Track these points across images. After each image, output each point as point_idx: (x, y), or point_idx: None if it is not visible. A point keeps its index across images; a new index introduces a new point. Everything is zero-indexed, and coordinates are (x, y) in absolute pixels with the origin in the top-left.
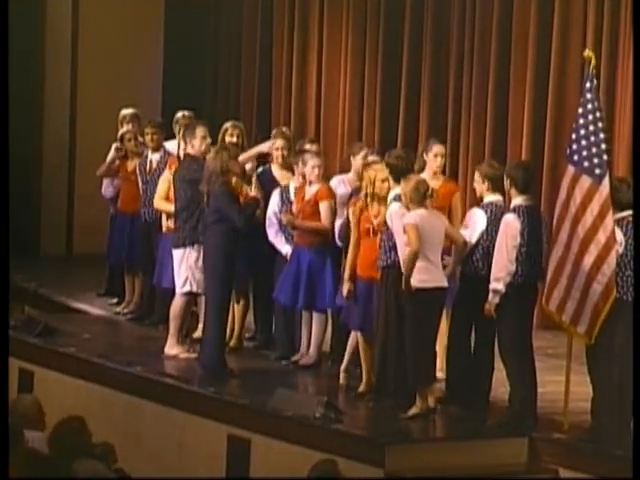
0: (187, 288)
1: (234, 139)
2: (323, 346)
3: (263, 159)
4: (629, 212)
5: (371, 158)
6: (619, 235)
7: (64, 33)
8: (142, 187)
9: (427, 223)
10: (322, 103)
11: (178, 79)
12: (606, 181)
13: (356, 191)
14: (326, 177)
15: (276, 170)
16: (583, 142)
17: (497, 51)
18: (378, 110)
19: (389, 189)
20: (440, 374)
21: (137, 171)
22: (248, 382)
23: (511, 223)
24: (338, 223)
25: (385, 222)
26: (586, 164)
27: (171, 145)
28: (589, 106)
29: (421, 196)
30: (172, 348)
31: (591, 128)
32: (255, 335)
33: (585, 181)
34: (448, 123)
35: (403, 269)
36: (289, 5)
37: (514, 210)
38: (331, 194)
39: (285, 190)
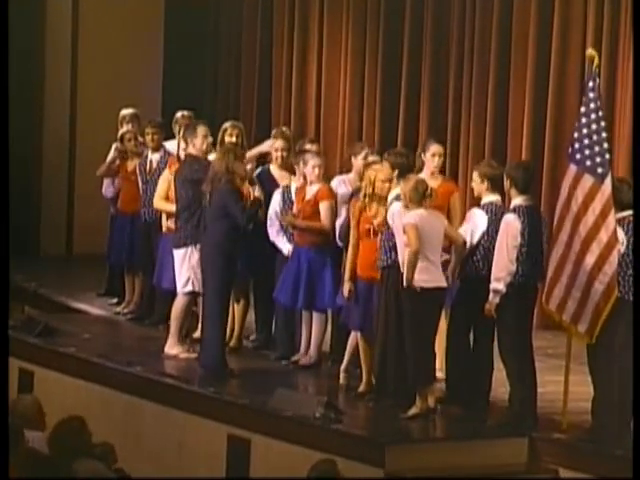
0: (189, 288)
1: (233, 139)
2: (323, 346)
3: (262, 159)
4: (630, 212)
5: (371, 158)
6: (621, 234)
7: (64, 33)
8: (142, 187)
9: (427, 223)
10: (322, 103)
11: (178, 79)
12: (608, 180)
13: (357, 191)
14: (326, 177)
15: (275, 170)
16: (585, 141)
17: (497, 51)
18: (378, 110)
19: (389, 189)
20: (440, 374)
21: (137, 171)
22: (248, 382)
23: (512, 223)
24: (339, 223)
25: (385, 222)
26: (588, 163)
27: (171, 145)
28: (591, 105)
29: (420, 196)
30: (172, 348)
31: (593, 127)
32: (256, 335)
33: (587, 180)
34: (448, 123)
35: (403, 269)
36: (289, 5)
37: (514, 210)
38: (331, 194)
39: (287, 190)
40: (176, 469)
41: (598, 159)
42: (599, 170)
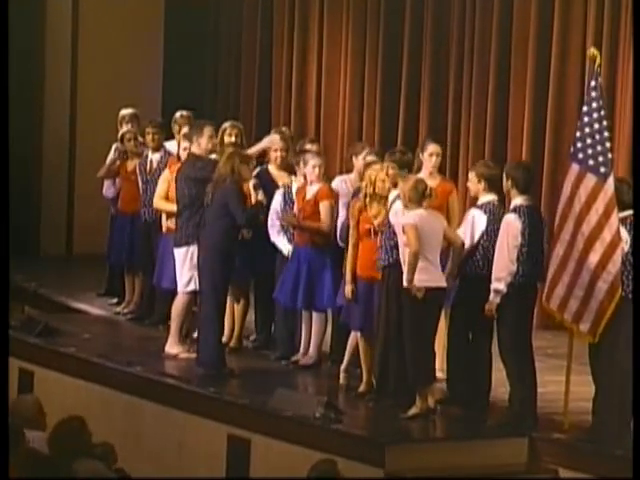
0: (192, 287)
1: (233, 139)
2: (323, 346)
3: (261, 159)
4: (631, 212)
5: (369, 158)
6: (624, 234)
7: (64, 33)
8: (142, 187)
9: (426, 223)
10: (322, 103)
11: (178, 79)
12: (611, 179)
13: (358, 191)
14: (327, 177)
15: (274, 170)
16: (588, 140)
17: (497, 52)
18: (378, 111)
19: (390, 189)
20: (440, 374)
21: (137, 171)
22: (248, 382)
23: (512, 223)
24: (340, 223)
25: (386, 222)
26: (591, 162)
27: (171, 145)
28: (593, 104)
29: (420, 195)
30: (173, 347)
31: (595, 126)
32: (256, 335)
33: (590, 179)
34: (448, 124)
35: (403, 269)
36: (289, 5)
37: (515, 210)
38: (331, 194)
39: (287, 190)
40: (176, 469)
41: (600, 158)
42: (602, 169)
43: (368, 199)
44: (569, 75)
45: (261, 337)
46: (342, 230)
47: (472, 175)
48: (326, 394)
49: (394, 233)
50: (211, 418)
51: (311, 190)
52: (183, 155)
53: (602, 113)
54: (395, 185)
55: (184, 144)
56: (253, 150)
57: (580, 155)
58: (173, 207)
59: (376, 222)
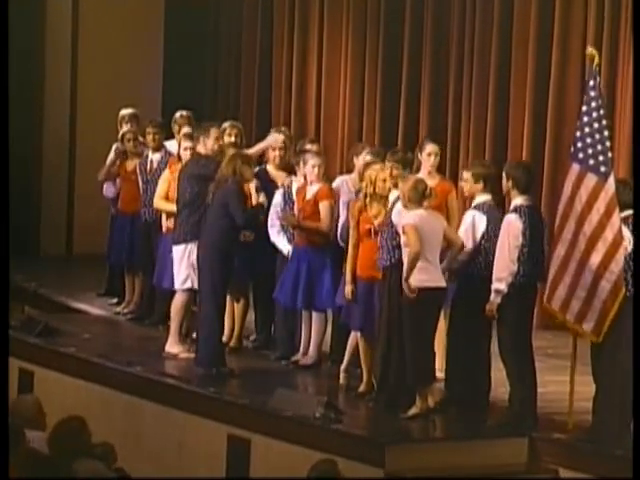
0: (188, 285)
1: (232, 139)
2: (323, 346)
3: (260, 158)
4: (631, 211)
5: (368, 158)
6: (627, 233)
7: (64, 33)
8: (142, 187)
9: (426, 223)
10: (322, 106)
11: (178, 79)
12: (612, 179)
13: (359, 191)
14: (327, 178)
15: (272, 170)
16: (588, 140)
17: (497, 54)
18: (378, 114)
19: (390, 189)
20: (440, 374)
21: (137, 171)
22: (248, 382)
23: (513, 223)
24: (340, 223)
25: (387, 222)
26: (591, 162)
27: (171, 145)
28: (593, 104)
29: (420, 195)
30: (173, 346)
31: (595, 125)
32: (256, 335)
33: (591, 179)
34: (448, 126)
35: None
36: (289, 6)
37: (515, 210)
38: (331, 194)
39: (287, 190)
40: (176, 469)
41: (601, 157)
42: (602, 169)
43: (368, 199)
44: (569, 76)
45: (261, 337)
46: (342, 230)
47: (468, 175)
48: (326, 394)
49: (396, 233)
50: (211, 418)
51: (311, 190)
52: (183, 155)
53: (601, 112)
54: (396, 185)
55: (184, 144)
56: (255, 149)
57: (580, 155)
58: (173, 207)
59: (376, 222)
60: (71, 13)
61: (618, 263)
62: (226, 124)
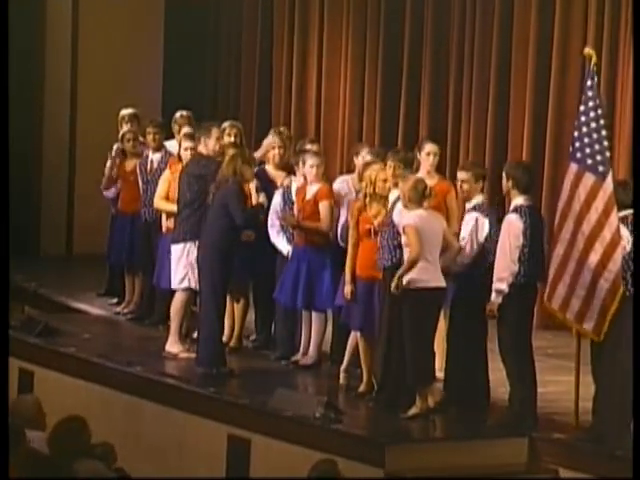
0: (185, 284)
1: (232, 139)
2: (323, 346)
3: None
4: (631, 211)
5: (367, 158)
6: (625, 233)
7: (64, 33)
8: (142, 187)
9: (426, 224)
10: (322, 107)
11: (178, 79)
12: (610, 178)
13: (359, 191)
14: (326, 178)
15: (271, 170)
16: (586, 139)
17: (497, 55)
18: (378, 115)
19: (390, 189)
20: (440, 374)
21: (138, 171)
22: (248, 382)
23: (514, 223)
24: (341, 223)
25: (387, 222)
26: (589, 161)
27: (171, 145)
28: (590, 103)
29: (420, 195)
30: (173, 346)
31: (593, 125)
32: (256, 335)
33: (589, 178)
34: (448, 127)
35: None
36: (289, 5)
37: (516, 210)
38: (331, 194)
39: (287, 190)
40: (176, 469)
41: (599, 157)
42: (600, 168)
43: (368, 199)
44: (569, 76)
45: (261, 337)
46: (343, 230)
47: (468, 175)
48: (326, 394)
49: (397, 233)
50: (211, 418)
51: (311, 190)
52: (184, 155)
53: (599, 112)
54: (396, 185)
55: (185, 144)
56: (259, 153)
57: (578, 154)
58: (173, 207)
59: (376, 222)
60: (71, 13)
61: (616, 262)
62: (226, 124)
